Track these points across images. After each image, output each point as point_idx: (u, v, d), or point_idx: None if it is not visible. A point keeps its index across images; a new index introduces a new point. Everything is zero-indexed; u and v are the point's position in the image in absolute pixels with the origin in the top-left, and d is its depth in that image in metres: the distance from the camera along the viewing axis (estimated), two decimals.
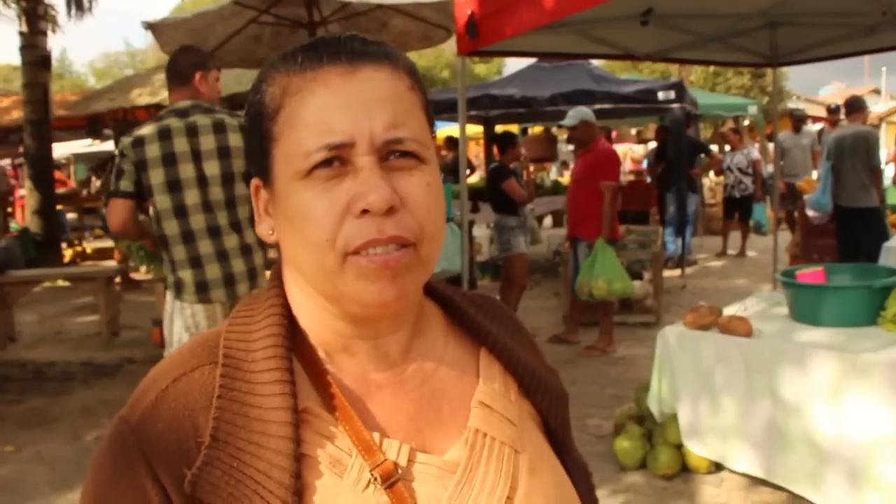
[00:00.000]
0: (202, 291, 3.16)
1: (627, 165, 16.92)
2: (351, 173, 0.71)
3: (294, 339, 0.77)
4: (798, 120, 10.77)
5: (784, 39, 6.29)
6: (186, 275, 3.16)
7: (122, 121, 11.59)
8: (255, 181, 0.80)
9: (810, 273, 3.83)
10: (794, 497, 3.36)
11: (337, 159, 0.71)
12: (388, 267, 0.71)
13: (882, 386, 3.01)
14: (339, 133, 0.71)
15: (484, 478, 0.76)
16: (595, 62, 10.41)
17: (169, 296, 3.25)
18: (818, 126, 11.22)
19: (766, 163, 12.24)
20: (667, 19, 5.43)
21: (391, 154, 0.72)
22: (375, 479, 0.71)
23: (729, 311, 3.93)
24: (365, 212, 0.70)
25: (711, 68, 29.85)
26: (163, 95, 10.26)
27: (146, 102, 10.39)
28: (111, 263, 10.73)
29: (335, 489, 0.71)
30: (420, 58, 32.34)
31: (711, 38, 6.06)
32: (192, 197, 3.14)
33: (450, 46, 6.58)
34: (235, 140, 3.20)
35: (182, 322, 3.19)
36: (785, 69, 7.86)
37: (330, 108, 0.71)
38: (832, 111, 10.33)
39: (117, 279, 8.38)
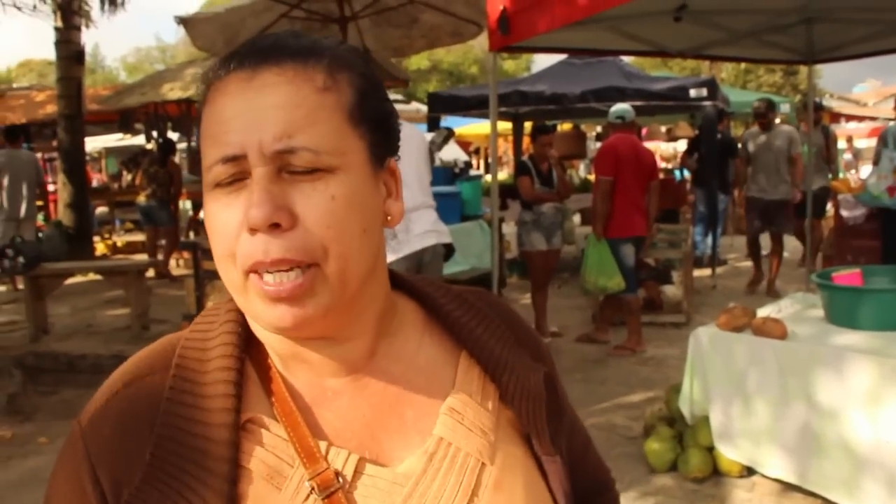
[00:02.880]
0: None
1: (659, 163, 16.76)
2: (248, 187, 0.68)
3: (251, 346, 0.76)
4: (818, 110, 8.62)
5: (820, 36, 6.18)
6: None
7: (153, 115, 11.72)
8: None
9: (847, 275, 3.76)
10: None
11: (238, 171, 0.68)
12: (279, 297, 0.67)
13: None
14: (232, 145, 0.67)
15: (439, 491, 0.72)
16: (626, 59, 10.32)
17: None
18: (851, 125, 10.19)
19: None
20: (700, 15, 5.35)
21: (291, 164, 0.67)
22: (313, 488, 0.68)
23: (763, 312, 3.87)
24: (254, 229, 0.66)
25: (742, 66, 29.53)
26: (193, 89, 10.34)
27: (177, 97, 10.48)
28: (142, 257, 10.86)
29: (272, 502, 0.68)
30: (448, 53, 32.34)
31: (745, 34, 5.98)
32: None
33: (479, 42, 6.56)
34: None
35: None
36: (818, 67, 7.65)
37: (225, 118, 0.68)
38: (815, 107, 8.65)
39: (148, 272, 8.47)
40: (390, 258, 4.14)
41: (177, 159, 10.57)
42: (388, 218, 0.77)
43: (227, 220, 0.68)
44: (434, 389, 0.78)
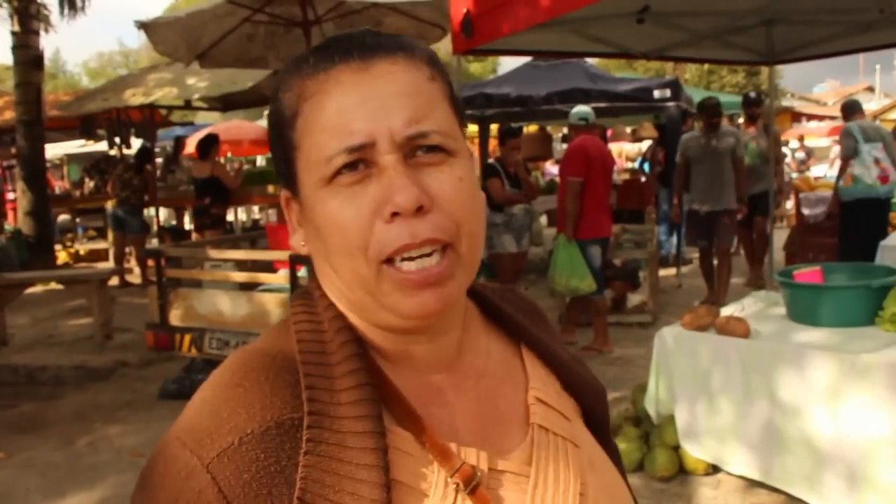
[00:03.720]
0: None
1: (623, 164, 16.91)
2: (376, 175, 0.68)
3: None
4: (755, 105, 8.09)
5: (780, 37, 6.28)
6: None
7: (115, 121, 11.57)
8: (284, 192, 0.77)
9: (808, 273, 3.81)
10: (791, 499, 3.34)
11: (361, 161, 0.68)
12: (426, 283, 0.68)
13: (881, 387, 2.99)
14: (358, 134, 0.67)
15: (556, 476, 0.75)
16: (590, 60, 10.39)
17: None
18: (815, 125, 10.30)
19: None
20: (663, 17, 5.41)
21: (417, 150, 0.69)
22: (458, 485, 0.68)
23: (726, 311, 3.91)
24: (395, 215, 0.67)
25: (706, 66, 29.90)
26: (156, 95, 10.24)
27: (139, 102, 10.35)
28: (106, 265, 10.69)
29: None
30: None
31: (707, 35, 6.06)
32: None
33: (444, 45, 6.55)
34: None
35: None
36: (779, 67, 7.71)
37: (345, 108, 0.68)
38: (751, 103, 8.11)
39: (112, 281, 8.33)
40: None
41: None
42: None
43: (356, 213, 0.67)
44: (514, 381, 0.81)
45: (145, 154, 10.35)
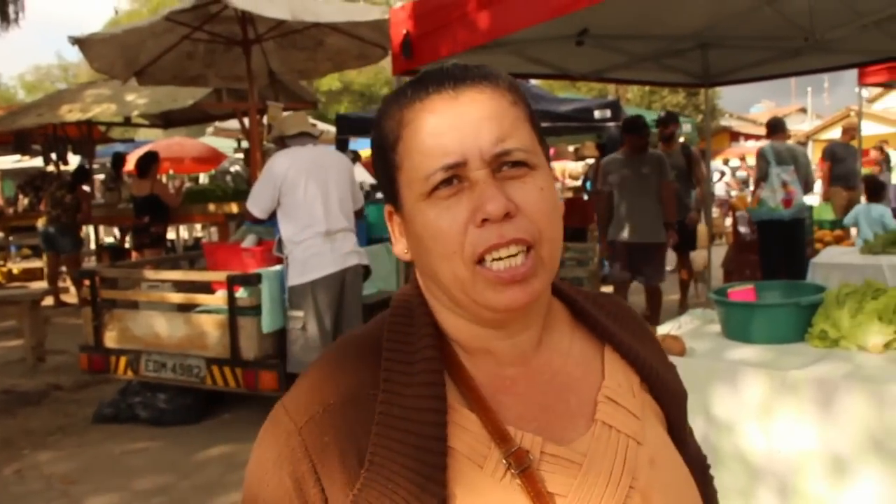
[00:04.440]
0: None
1: (567, 182, 17.12)
2: (468, 189, 0.78)
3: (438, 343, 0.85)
4: (666, 124, 7.51)
5: (715, 61, 6.46)
6: None
7: (51, 137, 11.28)
8: (387, 207, 0.88)
9: (741, 291, 3.89)
10: None
11: (455, 177, 0.78)
12: (514, 280, 0.77)
13: (808, 402, 3.06)
14: (452, 154, 0.78)
15: (609, 468, 0.81)
16: (533, 80, 10.52)
17: None
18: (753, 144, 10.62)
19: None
20: (602, 40, 5.51)
21: (503, 165, 0.79)
22: (510, 464, 0.77)
23: (663, 329, 3.96)
24: (485, 221, 0.77)
25: (647, 87, 30.51)
26: (94, 111, 10.03)
27: (76, 118, 10.12)
28: (41, 284, 10.38)
29: (476, 479, 0.77)
30: (360, 75, 32.24)
31: (646, 58, 6.19)
32: None
33: (389, 64, 6.56)
34: None
35: None
36: (718, 88, 7.96)
37: (440, 132, 0.79)
38: (660, 122, 7.63)
39: (47, 300, 8.09)
40: (319, 274, 4.39)
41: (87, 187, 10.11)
42: None
43: (452, 221, 0.78)
44: (589, 379, 0.89)
45: (81, 173, 10.11)
